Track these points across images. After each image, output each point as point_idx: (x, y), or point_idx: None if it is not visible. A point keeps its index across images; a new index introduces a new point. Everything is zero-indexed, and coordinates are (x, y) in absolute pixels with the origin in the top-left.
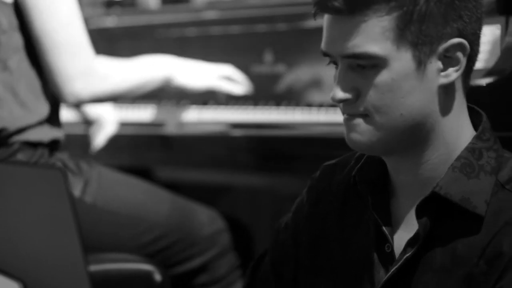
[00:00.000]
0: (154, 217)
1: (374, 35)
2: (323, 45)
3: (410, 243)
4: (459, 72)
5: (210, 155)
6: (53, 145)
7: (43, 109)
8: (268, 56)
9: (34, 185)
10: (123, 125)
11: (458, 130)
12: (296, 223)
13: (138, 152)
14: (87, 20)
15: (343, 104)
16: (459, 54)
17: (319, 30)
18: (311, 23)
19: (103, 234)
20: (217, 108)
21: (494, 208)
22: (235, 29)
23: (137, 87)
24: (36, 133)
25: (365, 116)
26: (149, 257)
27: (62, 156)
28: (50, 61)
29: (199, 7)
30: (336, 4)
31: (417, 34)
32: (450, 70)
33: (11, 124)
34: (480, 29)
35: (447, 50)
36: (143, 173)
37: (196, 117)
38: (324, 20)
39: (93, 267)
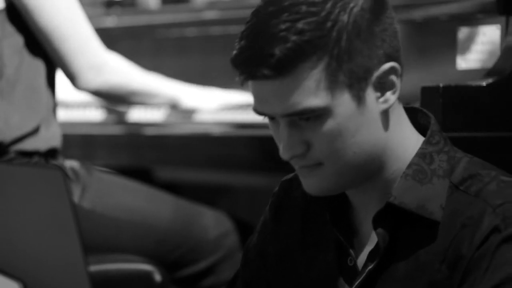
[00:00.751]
0: (155, 221)
1: (309, 90)
2: (257, 106)
3: (371, 255)
4: (396, 94)
5: (210, 155)
6: (49, 154)
7: (40, 112)
8: None
9: (34, 185)
10: (123, 125)
11: (405, 142)
12: (263, 241)
13: (138, 152)
14: None
15: (294, 159)
16: (393, 77)
17: None
18: None
19: (103, 240)
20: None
21: (450, 211)
22: (235, 29)
23: (146, 94)
24: (33, 142)
25: (319, 164)
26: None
27: (58, 163)
28: (61, 56)
29: (199, 7)
30: (265, 71)
31: (349, 74)
32: (388, 94)
33: (8, 134)
34: (399, 41)
35: (380, 77)
36: (143, 173)
37: (196, 117)
38: (250, 83)
39: (93, 267)
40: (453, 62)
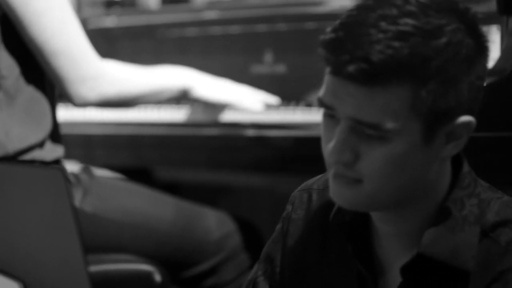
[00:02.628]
0: (157, 223)
1: (390, 108)
2: (327, 98)
3: None
4: (459, 147)
5: (210, 155)
6: (52, 163)
7: (44, 124)
8: (268, 56)
9: (34, 185)
10: (123, 125)
11: (439, 181)
12: (281, 253)
13: (138, 152)
14: (87, 20)
15: (337, 165)
16: (465, 132)
17: (319, 30)
18: (311, 23)
19: (105, 243)
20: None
21: (481, 261)
22: (235, 29)
23: (151, 94)
24: (38, 154)
25: (359, 181)
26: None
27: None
28: (53, 69)
29: (199, 7)
30: (355, 73)
31: (432, 111)
32: (452, 144)
33: (10, 147)
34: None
35: (456, 127)
36: (143, 173)
37: (197, 118)
38: (329, 75)
39: (93, 268)
40: None
